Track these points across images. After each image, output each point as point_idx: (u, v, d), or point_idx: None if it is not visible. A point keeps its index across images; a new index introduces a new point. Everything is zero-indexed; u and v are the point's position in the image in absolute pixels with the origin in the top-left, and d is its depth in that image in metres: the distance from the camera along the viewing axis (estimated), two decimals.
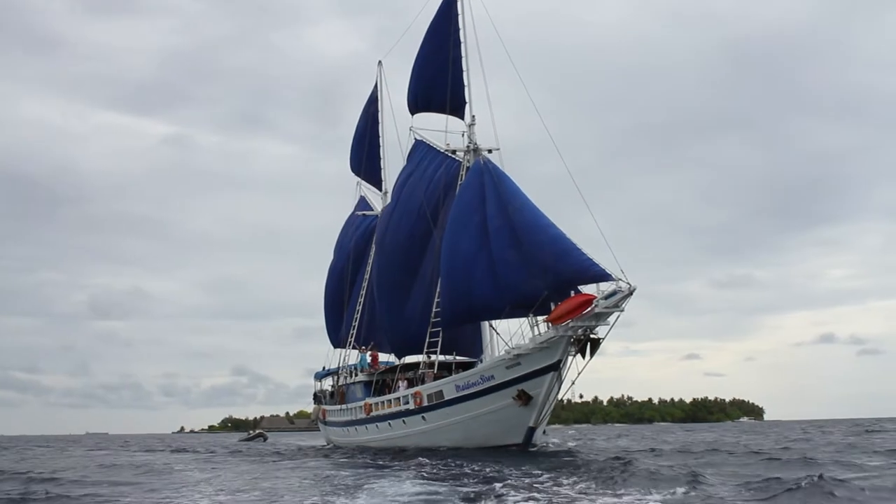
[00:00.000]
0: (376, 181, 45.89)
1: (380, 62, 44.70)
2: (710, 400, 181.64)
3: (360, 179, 46.92)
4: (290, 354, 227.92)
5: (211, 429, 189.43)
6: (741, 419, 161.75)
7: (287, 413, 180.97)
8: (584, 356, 27.72)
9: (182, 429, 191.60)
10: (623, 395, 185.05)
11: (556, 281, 27.96)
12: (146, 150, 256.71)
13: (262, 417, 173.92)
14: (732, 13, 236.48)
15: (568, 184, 31.42)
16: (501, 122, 37.19)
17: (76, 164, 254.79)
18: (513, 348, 28.83)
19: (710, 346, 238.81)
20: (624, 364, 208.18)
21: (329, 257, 48.22)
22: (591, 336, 27.43)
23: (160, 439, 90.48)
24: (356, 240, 45.17)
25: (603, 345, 27.49)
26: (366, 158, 44.98)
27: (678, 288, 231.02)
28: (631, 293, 26.38)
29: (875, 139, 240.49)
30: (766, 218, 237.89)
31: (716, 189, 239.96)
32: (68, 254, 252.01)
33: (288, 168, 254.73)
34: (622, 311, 26.91)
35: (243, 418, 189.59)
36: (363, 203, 47.02)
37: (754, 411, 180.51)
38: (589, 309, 26.62)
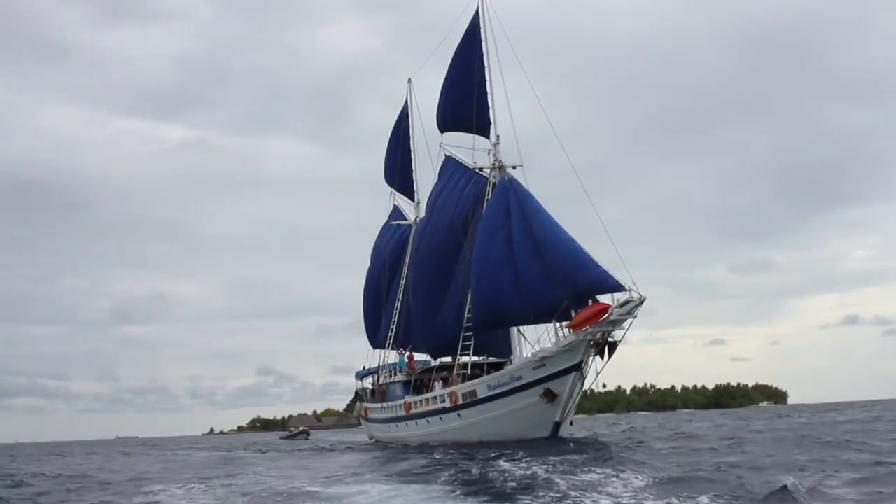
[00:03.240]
0: (409, 192, 51.85)
1: (409, 80, 50.48)
2: (732, 386, 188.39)
3: (393, 190, 52.84)
4: (315, 353, 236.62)
5: (240, 429, 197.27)
6: (762, 404, 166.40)
7: (314, 411, 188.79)
8: (602, 357, 33.32)
9: (212, 430, 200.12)
10: (646, 384, 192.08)
11: (575, 291, 33.47)
12: (165, 155, 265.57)
13: (290, 416, 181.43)
14: None
15: (588, 175, 36.66)
16: (524, 115, 42.20)
17: (95, 170, 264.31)
18: (538, 351, 34.49)
19: (735, 331, 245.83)
20: (648, 352, 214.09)
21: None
22: (609, 339, 32.99)
23: (194, 442, 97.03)
24: (391, 247, 51.12)
25: (626, 333, 33.01)
26: (398, 171, 50.83)
27: (700, 274, 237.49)
28: (641, 302, 31.80)
29: None
30: (787, 201, 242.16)
31: (735, 173, 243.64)
32: (89, 260, 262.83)
33: (305, 167, 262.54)
34: (635, 317, 32.36)
35: (272, 418, 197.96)
36: (397, 212, 52.87)
37: (777, 395, 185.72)
38: (605, 316, 32.03)
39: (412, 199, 51.77)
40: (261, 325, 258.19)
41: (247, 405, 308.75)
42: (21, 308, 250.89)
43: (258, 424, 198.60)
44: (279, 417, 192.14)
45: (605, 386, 36.98)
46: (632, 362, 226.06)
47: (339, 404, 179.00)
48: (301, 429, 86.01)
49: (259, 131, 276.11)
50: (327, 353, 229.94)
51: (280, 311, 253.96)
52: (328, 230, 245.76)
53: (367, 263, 55.09)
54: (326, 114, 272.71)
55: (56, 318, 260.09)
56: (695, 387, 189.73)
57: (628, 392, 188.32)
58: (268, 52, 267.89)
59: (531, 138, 42.81)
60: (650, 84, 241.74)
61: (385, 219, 53.50)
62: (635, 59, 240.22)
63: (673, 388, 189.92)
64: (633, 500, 13.04)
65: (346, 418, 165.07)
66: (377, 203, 53.87)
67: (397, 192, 52.71)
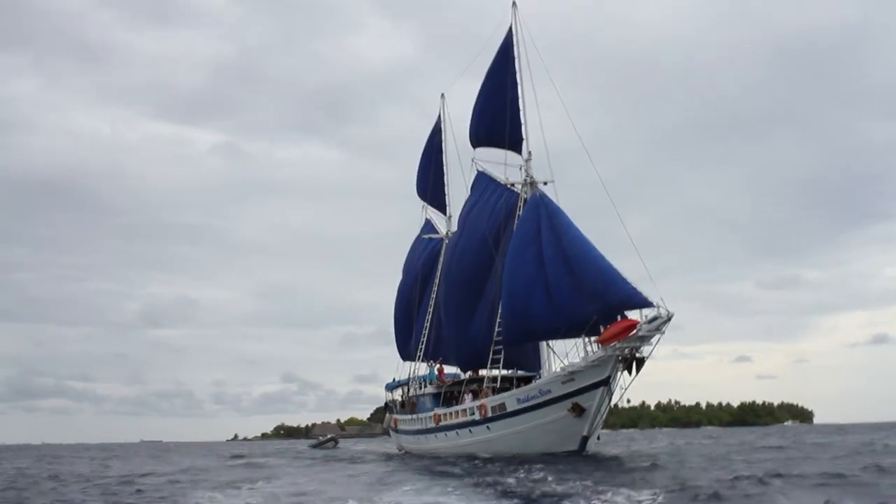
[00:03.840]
0: (441, 206, 53.11)
1: (442, 95, 51.92)
2: (758, 404, 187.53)
3: (425, 203, 54.04)
4: (339, 361, 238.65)
5: (264, 436, 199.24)
6: (786, 423, 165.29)
7: (338, 420, 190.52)
8: (630, 372, 34.12)
9: (236, 436, 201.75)
10: (670, 400, 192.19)
11: (604, 307, 34.31)
12: (194, 159, 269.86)
13: (314, 424, 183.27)
14: (775, 9, 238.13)
15: (615, 186, 37.46)
16: (553, 127, 42.97)
17: (124, 173, 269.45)
18: (567, 366, 35.36)
19: (762, 347, 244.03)
20: (673, 368, 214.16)
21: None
22: (637, 355, 33.81)
23: (220, 447, 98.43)
24: (423, 261, 52.24)
25: (653, 349, 33.84)
26: (431, 185, 52.07)
27: (728, 289, 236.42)
28: (669, 319, 32.59)
29: None
30: (818, 216, 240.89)
31: (765, 186, 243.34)
32: (119, 263, 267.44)
33: (332, 173, 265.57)
34: (663, 333, 33.14)
35: (296, 425, 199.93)
36: (429, 226, 54.06)
37: (803, 415, 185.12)
38: (634, 332, 32.91)
39: (444, 213, 53.06)
40: (286, 332, 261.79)
41: (271, 412, 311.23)
42: (49, 309, 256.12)
43: (282, 432, 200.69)
44: (303, 425, 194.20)
45: (629, 401, 37.70)
46: (656, 378, 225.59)
47: (363, 413, 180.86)
48: (329, 437, 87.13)
49: (287, 137, 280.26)
50: (352, 361, 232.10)
51: (305, 318, 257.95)
52: (355, 237, 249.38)
53: (395, 272, 56.60)
54: (354, 120, 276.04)
55: (84, 319, 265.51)
56: (720, 404, 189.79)
57: (652, 408, 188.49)
58: (297, 57, 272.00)
59: (560, 149, 43.76)
60: (678, 95, 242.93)
61: (416, 230, 54.88)
62: (663, 69, 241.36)
63: (697, 404, 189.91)
64: None
65: (369, 427, 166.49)
66: (404, 210, 55.64)
67: (429, 206, 53.96)
